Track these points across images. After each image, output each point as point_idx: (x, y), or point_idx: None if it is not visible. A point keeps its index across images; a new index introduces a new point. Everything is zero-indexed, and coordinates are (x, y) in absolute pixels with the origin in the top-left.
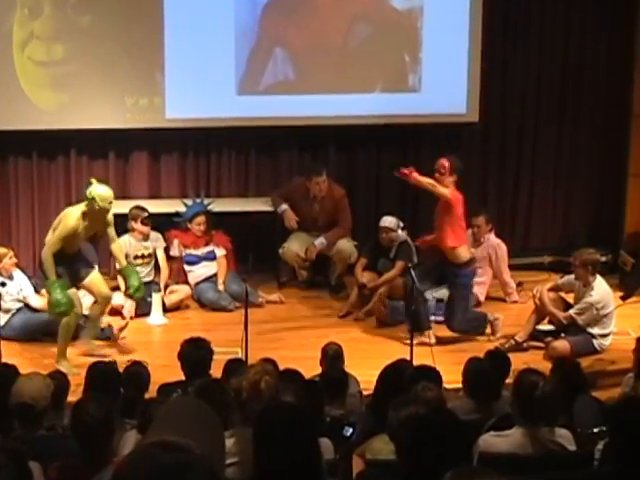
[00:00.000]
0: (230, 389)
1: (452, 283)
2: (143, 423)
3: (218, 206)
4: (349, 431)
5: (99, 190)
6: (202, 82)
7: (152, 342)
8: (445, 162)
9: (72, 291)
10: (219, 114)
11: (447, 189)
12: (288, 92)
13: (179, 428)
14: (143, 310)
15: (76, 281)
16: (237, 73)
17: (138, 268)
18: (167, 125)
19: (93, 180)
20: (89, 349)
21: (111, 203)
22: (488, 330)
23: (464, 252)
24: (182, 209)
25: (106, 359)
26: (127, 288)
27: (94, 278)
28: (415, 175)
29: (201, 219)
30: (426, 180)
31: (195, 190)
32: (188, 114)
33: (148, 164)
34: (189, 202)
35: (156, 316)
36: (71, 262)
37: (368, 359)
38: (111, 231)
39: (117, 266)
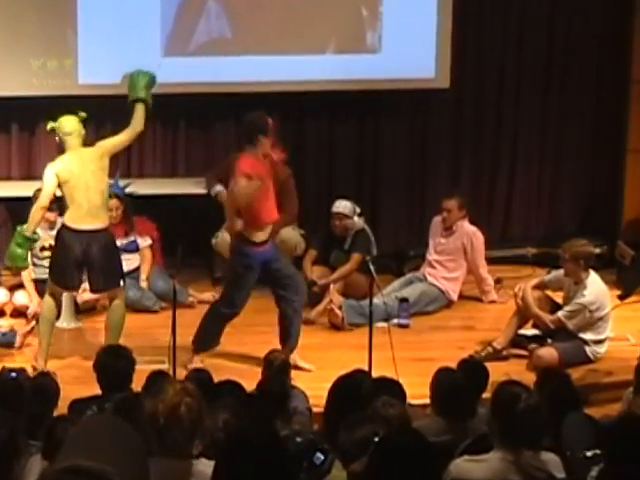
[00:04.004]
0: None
1: None
2: (49, 446)
3: (140, 188)
4: (320, 459)
5: (62, 120)
6: (121, 42)
7: (62, 349)
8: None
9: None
10: None
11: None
12: (224, 53)
13: (94, 451)
14: None
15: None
16: (163, 31)
17: (45, 262)
18: (80, 92)
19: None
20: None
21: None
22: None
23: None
24: None
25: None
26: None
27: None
28: None
29: (113, 204)
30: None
31: (112, 168)
32: (105, 79)
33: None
34: None
35: (66, 318)
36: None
37: (319, 370)
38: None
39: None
